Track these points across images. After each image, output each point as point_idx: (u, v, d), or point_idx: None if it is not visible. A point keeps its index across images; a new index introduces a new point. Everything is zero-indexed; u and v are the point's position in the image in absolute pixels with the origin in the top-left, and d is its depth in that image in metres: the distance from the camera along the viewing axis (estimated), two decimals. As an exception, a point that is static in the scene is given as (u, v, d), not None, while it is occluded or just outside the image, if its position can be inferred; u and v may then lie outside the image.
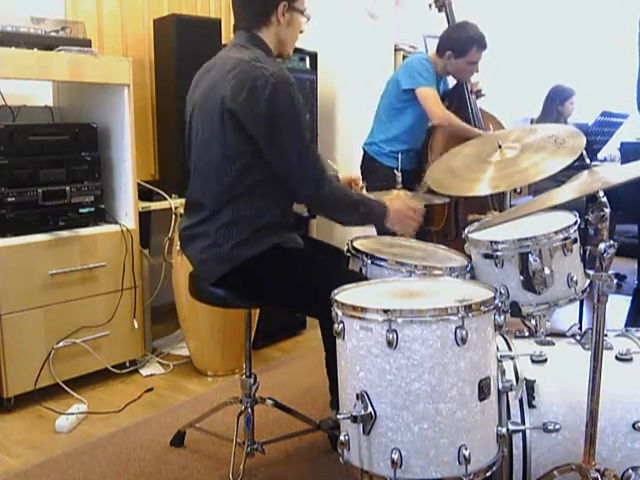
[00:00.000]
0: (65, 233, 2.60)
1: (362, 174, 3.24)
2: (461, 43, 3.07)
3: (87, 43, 2.66)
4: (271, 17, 1.87)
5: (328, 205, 1.89)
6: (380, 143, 3.17)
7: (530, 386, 1.59)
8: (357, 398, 1.38)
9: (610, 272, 1.38)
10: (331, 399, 2.03)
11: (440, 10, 3.35)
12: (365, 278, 1.85)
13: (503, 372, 1.53)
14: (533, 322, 1.86)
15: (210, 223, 1.87)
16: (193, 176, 1.94)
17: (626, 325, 2.76)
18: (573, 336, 1.78)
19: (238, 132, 1.78)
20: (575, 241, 1.88)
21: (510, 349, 1.71)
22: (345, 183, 2.17)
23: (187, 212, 2.01)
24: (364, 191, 2.22)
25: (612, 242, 1.38)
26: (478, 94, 3.33)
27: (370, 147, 3.22)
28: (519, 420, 1.57)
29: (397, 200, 1.99)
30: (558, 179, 1.92)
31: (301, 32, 1.98)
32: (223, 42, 3.14)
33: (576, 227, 1.89)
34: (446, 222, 3.23)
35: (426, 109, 3.03)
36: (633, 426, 1.56)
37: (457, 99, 3.32)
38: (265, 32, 1.89)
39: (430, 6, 3.33)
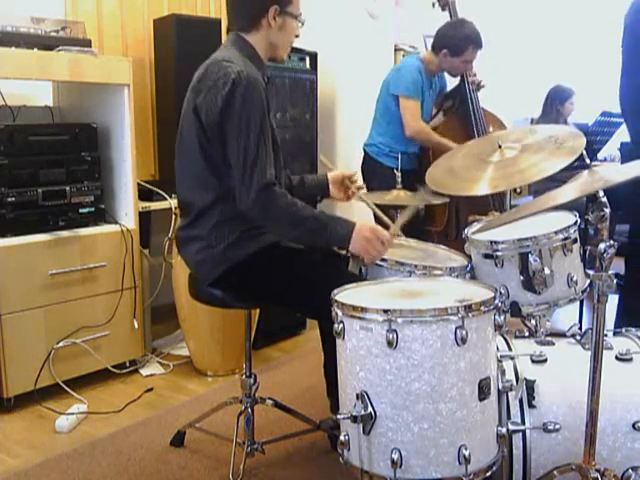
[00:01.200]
0: (65, 233, 2.60)
1: (363, 174, 3.25)
2: (457, 42, 3.07)
3: (87, 43, 2.66)
4: (261, 20, 1.87)
5: (266, 216, 1.77)
6: (379, 144, 3.18)
7: (530, 386, 1.59)
8: (357, 398, 1.38)
9: (610, 272, 1.38)
10: (330, 404, 2.03)
11: (444, 9, 3.36)
12: (363, 279, 1.85)
13: (503, 372, 1.53)
14: (533, 322, 1.86)
15: (201, 224, 1.87)
16: (178, 176, 1.95)
17: (615, 325, 2.75)
18: (573, 336, 1.78)
19: (205, 130, 1.80)
20: (575, 241, 1.88)
21: (510, 349, 1.71)
22: (337, 180, 2.14)
23: (180, 212, 2.02)
24: (363, 191, 2.19)
25: (612, 242, 1.38)
26: (478, 86, 3.33)
27: (370, 147, 3.23)
28: (519, 420, 1.57)
29: (366, 225, 1.83)
30: (558, 179, 1.92)
31: (297, 37, 1.98)
32: (222, 42, 3.14)
33: (576, 227, 1.89)
34: (447, 222, 3.24)
35: (403, 119, 3.06)
36: (633, 426, 1.56)
37: (459, 98, 3.33)
38: (255, 35, 1.90)
39: (433, 4, 3.34)
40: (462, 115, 3.26)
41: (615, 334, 1.80)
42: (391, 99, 3.12)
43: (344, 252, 2.01)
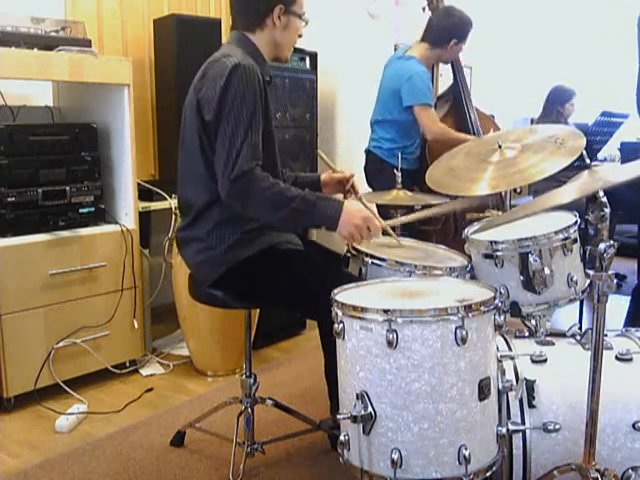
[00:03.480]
0: (65, 233, 2.60)
1: (368, 176, 3.24)
2: (462, 28, 3.12)
3: (87, 43, 2.66)
4: (266, 20, 1.88)
5: (247, 200, 1.73)
6: (388, 149, 3.16)
7: (530, 386, 1.59)
8: (357, 398, 1.38)
9: (610, 272, 1.38)
10: (331, 405, 2.03)
11: (434, 12, 3.35)
12: (363, 279, 1.85)
13: (503, 372, 1.53)
14: (533, 322, 1.86)
15: (201, 225, 1.87)
16: (180, 176, 1.95)
17: (625, 325, 2.76)
18: (573, 336, 1.78)
19: (205, 128, 1.80)
20: (575, 241, 1.88)
21: (510, 349, 1.71)
22: (330, 183, 2.12)
23: (180, 212, 2.01)
24: (359, 195, 2.17)
25: (612, 242, 1.38)
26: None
27: (377, 150, 3.20)
28: (519, 420, 1.57)
29: (359, 212, 1.80)
30: (558, 179, 1.92)
31: (300, 36, 1.98)
32: (223, 42, 3.15)
33: (576, 227, 1.89)
34: (445, 221, 3.24)
35: (422, 125, 3.06)
36: (633, 426, 1.56)
37: (453, 99, 3.34)
38: (260, 34, 1.90)
39: (424, 9, 3.33)
40: (456, 116, 3.26)
41: (615, 334, 1.81)
42: (404, 111, 3.07)
43: (344, 252, 2.02)
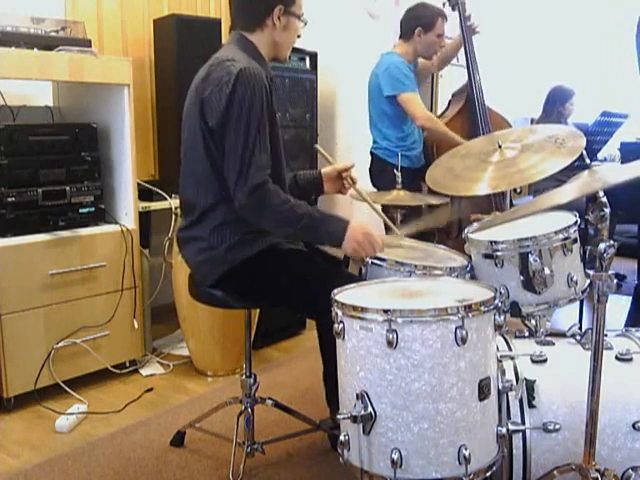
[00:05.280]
0: (65, 233, 2.60)
1: (372, 176, 3.25)
2: (427, 18, 3.16)
3: (87, 43, 2.66)
4: (266, 20, 1.88)
5: (260, 215, 1.77)
6: (387, 147, 3.17)
7: (530, 386, 1.59)
8: (357, 398, 1.38)
9: (610, 272, 1.38)
10: (330, 410, 2.02)
11: (454, 9, 3.39)
12: (363, 279, 1.85)
13: (503, 372, 1.53)
14: (533, 322, 1.86)
15: (203, 225, 1.87)
16: (182, 176, 1.95)
17: (626, 325, 2.76)
18: (573, 336, 1.78)
19: (210, 130, 1.80)
20: (575, 241, 1.88)
21: (510, 349, 1.71)
22: (331, 177, 2.13)
23: (182, 212, 2.02)
24: (358, 185, 2.17)
25: (612, 242, 1.38)
26: (474, 31, 3.37)
27: (378, 150, 3.21)
28: (519, 420, 1.57)
29: (361, 227, 1.81)
30: (558, 179, 1.92)
31: (299, 37, 1.99)
32: (223, 42, 3.15)
33: (576, 227, 1.89)
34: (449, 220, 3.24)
35: (408, 112, 3.08)
36: (633, 426, 1.56)
37: (466, 97, 3.34)
38: (259, 35, 1.90)
39: (444, 4, 3.37)
40: (468, 113, 3.26)
41: (615, 334, 1.81)
42: (386, 101, 3.11)
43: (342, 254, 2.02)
